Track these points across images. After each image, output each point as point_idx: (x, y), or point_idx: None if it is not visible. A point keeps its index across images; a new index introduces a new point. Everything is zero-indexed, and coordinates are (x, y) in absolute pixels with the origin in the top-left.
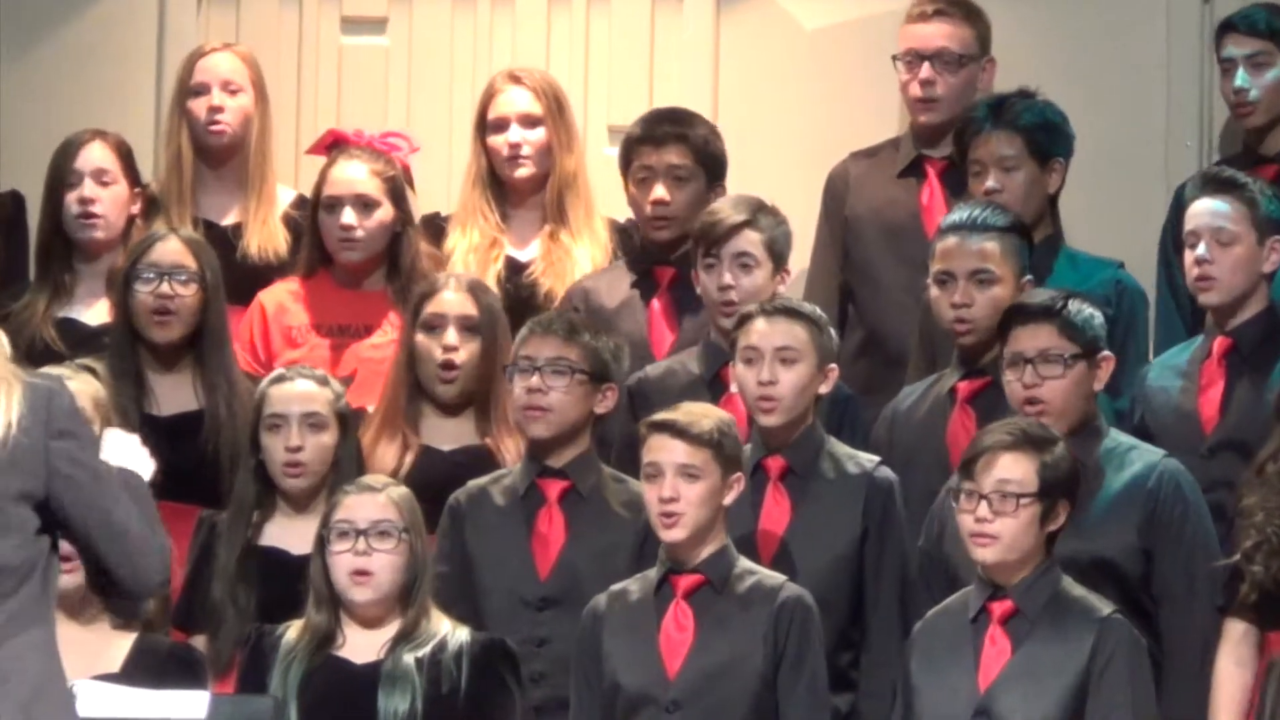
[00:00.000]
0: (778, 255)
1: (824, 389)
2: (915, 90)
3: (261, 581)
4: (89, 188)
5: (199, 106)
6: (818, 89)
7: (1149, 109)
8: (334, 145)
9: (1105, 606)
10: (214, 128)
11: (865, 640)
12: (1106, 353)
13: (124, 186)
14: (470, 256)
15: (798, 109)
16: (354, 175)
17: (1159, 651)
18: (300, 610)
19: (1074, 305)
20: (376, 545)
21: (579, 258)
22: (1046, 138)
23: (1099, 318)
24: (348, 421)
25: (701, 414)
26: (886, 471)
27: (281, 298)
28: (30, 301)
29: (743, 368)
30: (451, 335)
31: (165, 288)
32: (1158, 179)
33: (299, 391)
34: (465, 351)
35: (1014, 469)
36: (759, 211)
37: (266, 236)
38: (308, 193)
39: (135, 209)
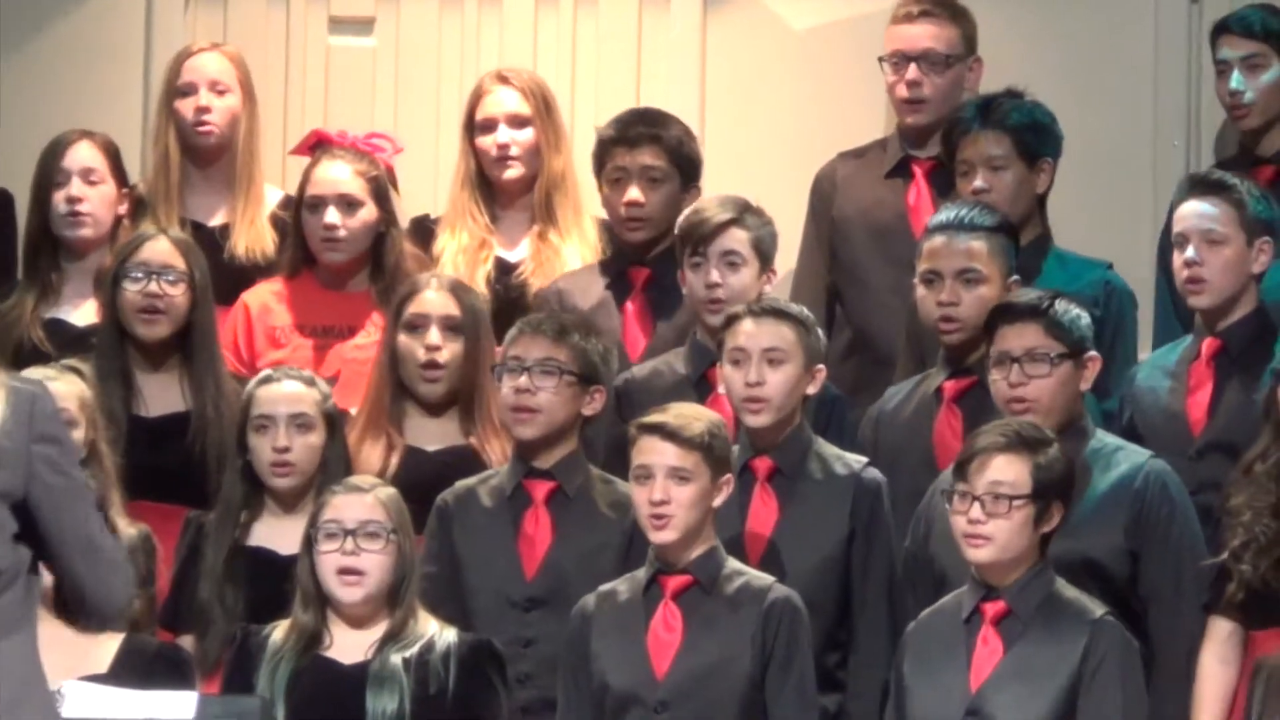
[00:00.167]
0: (764, 255)
1: (811, 390)
2: (902, 91)
3: (249, 582)
4: (76, 187)
5: (186, 107)
6: (805, 89)
7: (1137, 109)
8: (318, 145)
9: (1098, 608)
10: (201, 128)
11: (853, 641)
12: (1093, 353)
13: (111, 186)
14: (459, 257)
15: (785, 109)
16: (337, 175)
17: (1148, 652)
18: (287, 610)
19: (1061, 305)
20: (365, 546)
21: (568, 258)
22: (1035, 138)
23: (1085, 318)
24: (335, 422)
25: (693, 416)
26: (874, 472)
27: (265, 298)
28: (18, 301)
29: (730, 369)
30: (434, 335)
31: (154, 287)
32: (1146, 179)
33: (286, 392)
34: (448, 351)
35: (1007, 471)
36: (745, 211)
37: (254, 237)
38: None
39: (123, 209)
